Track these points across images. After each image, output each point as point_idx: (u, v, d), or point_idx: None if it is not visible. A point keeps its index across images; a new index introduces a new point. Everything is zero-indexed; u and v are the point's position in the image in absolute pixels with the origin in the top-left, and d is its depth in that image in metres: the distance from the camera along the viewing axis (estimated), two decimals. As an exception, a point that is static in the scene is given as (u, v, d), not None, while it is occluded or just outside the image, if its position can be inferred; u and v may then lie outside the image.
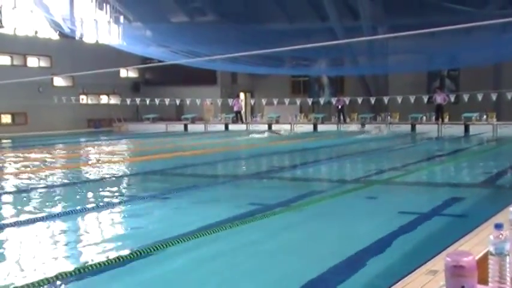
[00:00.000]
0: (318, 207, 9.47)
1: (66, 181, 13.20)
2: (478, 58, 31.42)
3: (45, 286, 5.30)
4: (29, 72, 32.97)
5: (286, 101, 36.43)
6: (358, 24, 32.34)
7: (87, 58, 34.39)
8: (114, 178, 13.56)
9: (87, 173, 14.91)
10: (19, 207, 9.60)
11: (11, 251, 6.88)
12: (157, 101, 37.14)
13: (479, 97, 31.23)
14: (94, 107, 39.39)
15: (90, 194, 10.91)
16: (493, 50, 30.53)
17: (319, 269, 5.73)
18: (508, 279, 2.54)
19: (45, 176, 14.00)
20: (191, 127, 36.82)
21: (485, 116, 31.78)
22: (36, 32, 36.26)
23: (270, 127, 35.41)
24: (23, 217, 8.56)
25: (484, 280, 2.55)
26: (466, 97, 32.09)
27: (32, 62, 36.09)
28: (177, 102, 37.94)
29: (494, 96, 31.71)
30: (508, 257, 2.53)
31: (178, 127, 37.08)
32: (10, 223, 8.20)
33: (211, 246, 6.89)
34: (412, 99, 32.75)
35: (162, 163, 16.98)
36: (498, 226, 2.52)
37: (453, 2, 28.36)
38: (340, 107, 35.18)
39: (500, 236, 2.51)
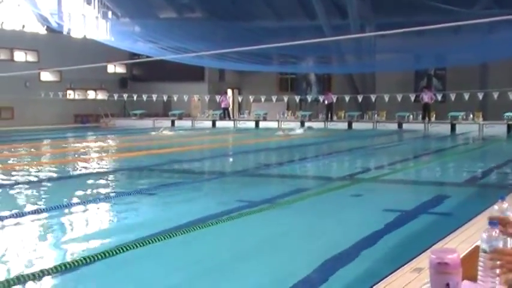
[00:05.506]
0: (303, 204, 9.51)
1: (51, 176, 13.12)
2: (465, 58, 31.53)
3: (29, 281, 5.30)
4: (15, 66, 32.76)
5: (274, 98, 36.43)
6: (346, 22, 32.38)
7: (74, 53, 34.18)
8: (99, 173, 13.51)
9: (72, 168, 14.85)
10: (1, 202, 9.56)
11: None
12: (144, 97, 36.97)
13: (466, 96, 31.31)
14: (81, 102, 39.19)
15: (75, 189, 10.83)
16: (480, 49, 30.63)
17: (305, 267, 5.74)
18: (498, 277, 2.53)
19: (30, 170, 13.93)
20: (178, 123, 36.72)
21: (471, 116, 31.92)
22: (23, 26, 36.02)
23: (257, 124, 35.47)
24: (6, 212, 8.48)
25: (471, 276, 2.55)
26: (452, 96, 32.17)
27: (19, 56, 35.84)
28: (165, 98, 37.78)
29: (480, 96, 31.81)
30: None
31: (166, 123, 36.95)
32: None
33: (196, 243, 6.90)
34: (399, 97, 32.78)
35: (148, 159, 16.95)
36: (492, 224, 2.50)
37: (441, 2, 28.44)
38: (327, 102, 35.15)
39: (495, 233, 2.48)
